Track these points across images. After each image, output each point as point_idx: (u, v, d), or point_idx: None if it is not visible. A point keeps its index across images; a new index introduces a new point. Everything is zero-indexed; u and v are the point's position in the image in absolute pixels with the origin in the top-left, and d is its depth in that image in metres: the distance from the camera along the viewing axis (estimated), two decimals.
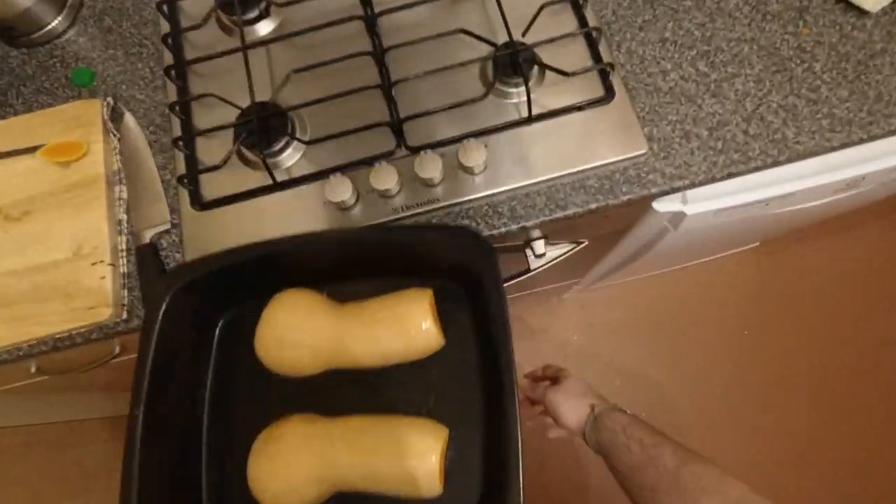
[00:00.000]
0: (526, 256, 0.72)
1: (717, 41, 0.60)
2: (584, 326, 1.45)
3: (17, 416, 1.21)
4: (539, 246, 0.65)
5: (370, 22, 0.61)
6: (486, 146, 0.54)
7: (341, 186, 0.53)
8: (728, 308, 1.46)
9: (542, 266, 0.72)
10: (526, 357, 1.38)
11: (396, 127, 0.57)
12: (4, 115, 0.64)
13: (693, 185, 0.57)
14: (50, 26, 0.67)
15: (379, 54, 0.60)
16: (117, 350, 0.68)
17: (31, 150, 0.60)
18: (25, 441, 1.34)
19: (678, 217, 0.65)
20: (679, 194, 0.62)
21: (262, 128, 0.56)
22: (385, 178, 0.53)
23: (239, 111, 0.57)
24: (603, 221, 0.69)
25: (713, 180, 0.57)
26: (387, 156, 0.57)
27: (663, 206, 0.64)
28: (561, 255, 0.74)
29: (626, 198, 0.56)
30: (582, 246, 0.74)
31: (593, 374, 1.39)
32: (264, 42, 0.61)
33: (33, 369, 0.67)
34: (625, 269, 1.04)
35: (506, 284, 0.52)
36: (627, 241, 0.80)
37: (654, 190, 0.56)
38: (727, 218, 0.68)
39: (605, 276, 1.15)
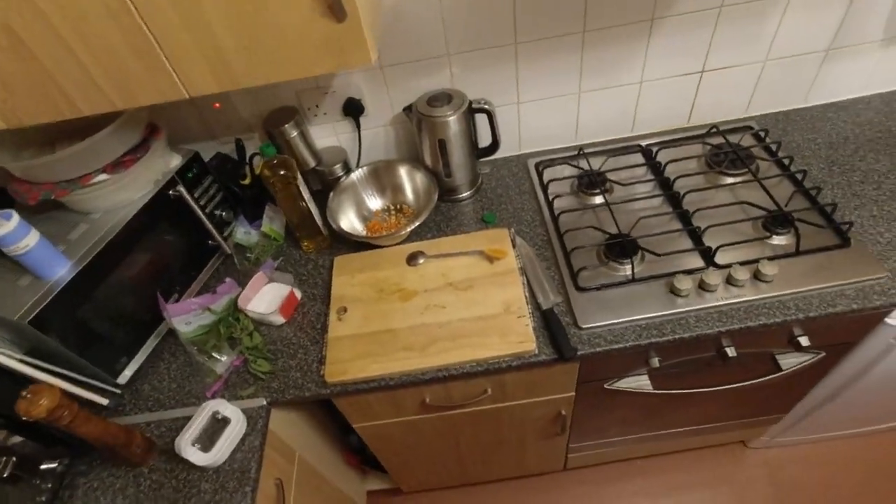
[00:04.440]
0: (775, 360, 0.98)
1: None
2: (770, 483, 1.51)
3: None
4: (804, 340, 0.91)
5: (671, 197, 1.03)
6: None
7: (685, 280, 0.87)
8: None
9: (791, 368, 0.97)
10: None
11: (708, 254, 0.93)
12: (442, 237, 1.08)
13: None
14: (465, 194, 1.15)
15: (688, 213, 0.99)
16: (489, 391, 0.96)
17: (471, 252, 1.01)
18: None
19: None
20: None
21: (625, 247, 0.94)
22: (713, 277, 0.87)
23: (607, 235, 0.97)
24: (847, 327, 0.95)
25: None
26: (698, 271, 0.92)
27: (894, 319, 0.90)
28: (803, 362, 0.99)
29: (878, 302, 0.84)
30: (818, 357, 0.99)
31: None
32: (601, 205, 1.04)
33: (427, 399, 0.97)
34: (832, 404, 1.20)
35: None
36: (853, 357, 1.03)
37: None
38: None
39: (809, 413, 1.29)
